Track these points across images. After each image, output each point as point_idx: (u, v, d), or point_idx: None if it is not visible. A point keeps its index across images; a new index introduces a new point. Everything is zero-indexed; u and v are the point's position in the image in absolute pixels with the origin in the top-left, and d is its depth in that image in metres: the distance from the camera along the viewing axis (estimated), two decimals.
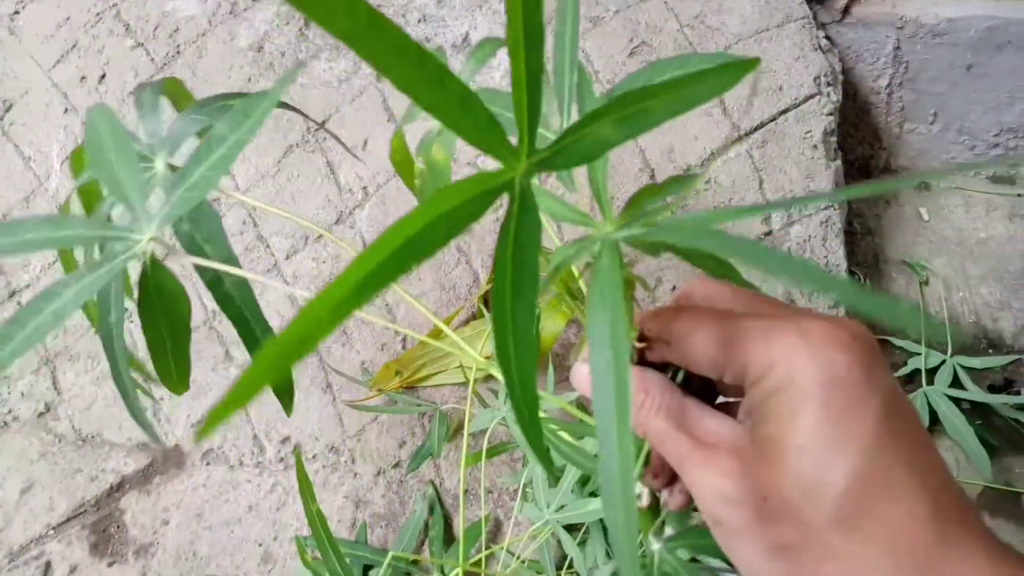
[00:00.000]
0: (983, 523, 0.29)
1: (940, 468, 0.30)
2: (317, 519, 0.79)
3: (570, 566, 0.79)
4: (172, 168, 0.52)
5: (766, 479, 0.29)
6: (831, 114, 0.99)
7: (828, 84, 1.00)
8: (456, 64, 1.02)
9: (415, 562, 0.83)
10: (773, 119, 0.96)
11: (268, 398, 0.99)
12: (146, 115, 0.53)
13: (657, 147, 0.96)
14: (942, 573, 0.27)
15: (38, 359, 1.05)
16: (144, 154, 0.51)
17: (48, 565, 0.90)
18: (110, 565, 0.89)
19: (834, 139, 0.99)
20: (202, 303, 1.03)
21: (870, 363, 0.29)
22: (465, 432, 0.78)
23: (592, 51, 1.01)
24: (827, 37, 1.10)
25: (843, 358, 0.28)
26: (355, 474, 0.93)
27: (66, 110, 1.10)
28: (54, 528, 0.93)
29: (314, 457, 0.95)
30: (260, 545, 0.88)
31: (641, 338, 0.36)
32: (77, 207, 0.56)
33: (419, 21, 1.06)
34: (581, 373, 0.37)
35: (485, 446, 0.82)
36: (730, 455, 0.30)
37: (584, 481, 0.75)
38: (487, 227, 0.99)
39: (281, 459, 0.95)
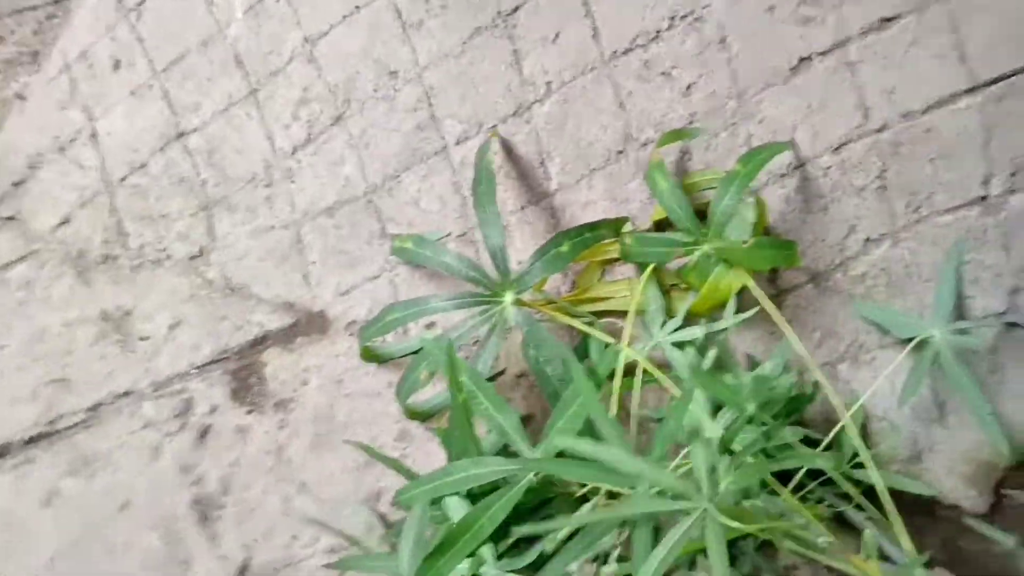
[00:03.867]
0: None
1: None
2: (461, 408, 0.78)
3: None
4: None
5: None
6: None
7: None
8: None
9: None
10: (1018, 72, 0.86)
11: (419, 281, 0.98)
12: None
13: (878, 85, 0.88)
14: None
15: (197, 203, 1.06)
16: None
17: (190, 401, 0.92)
18: (249, 412, 0.91)
19: None
20: (363, 175, 1.01)
21: None
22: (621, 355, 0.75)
23: None
24: None
25: None
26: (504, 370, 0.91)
27: None
28: (197, 368, 0.95)
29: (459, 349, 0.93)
30: (397, 423, 0.88)
31: None
32: None
33: None
34: None
35: (638, 378, 0.78)
36: None
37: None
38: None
39: None
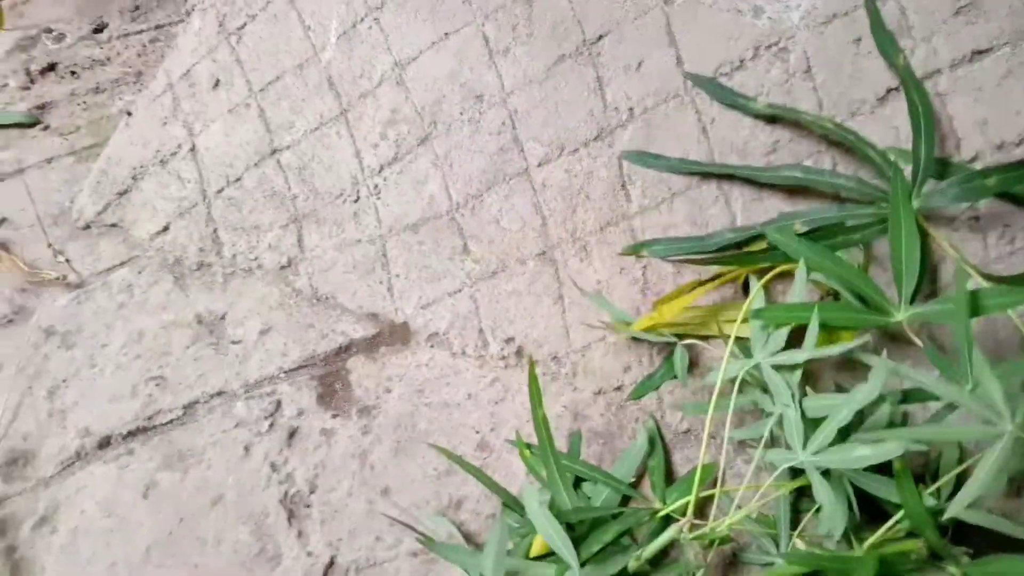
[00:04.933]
0: None
1: None
2: (542, 424, 0.80)
3: (802, 529, 0.75)
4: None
5: None
6: None
7: None
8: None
9: (633, 486, 0.83)
10: None
11: (499, 297, 1.01)
12: None
13: (970, 117, 0.88)
14: None
15: (288, 216, 1.11)
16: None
17: (279, 403, 0.97)
18: (334, 417, 0.95)
19: None
20: (446, 194, 1.05)
21: None
22: (720, 376, 0.76)
23: (908, 4, 0.93)
24: None
25: None
26: (575, 388, 0.93)
27: None
28: (286, 372, 1.00)
29: (536, 363, 0.96)
30: (477, 432, 0.90)
31: None
32: None
33: None
34: None
35: (734, 397, 0.78)
36: None
37: (845, 432, 0.71)
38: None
39: (503, 357, 0.97)
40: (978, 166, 0.87)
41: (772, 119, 0.94)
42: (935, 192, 0.83)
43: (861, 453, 0.66)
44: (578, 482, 0.85)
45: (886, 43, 0.90)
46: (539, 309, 0.98)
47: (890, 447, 0.64)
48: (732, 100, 0.94)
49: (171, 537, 0.86)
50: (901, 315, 0.76)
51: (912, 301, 0.77)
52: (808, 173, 0.90)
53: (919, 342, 0.76)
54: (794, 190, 0.93)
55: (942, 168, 0.86)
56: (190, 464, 0.92)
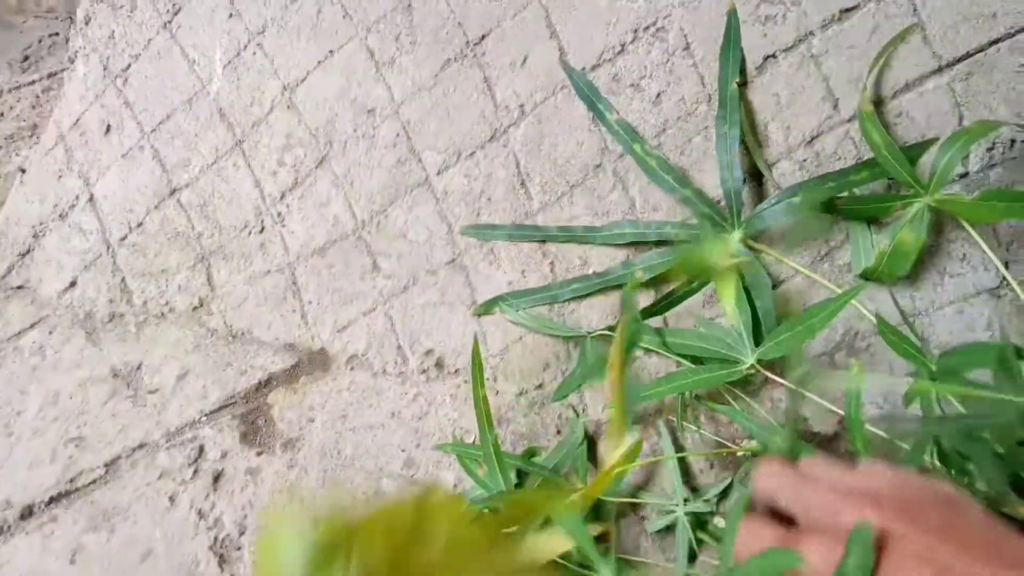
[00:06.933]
0: None
1: None
2: (482, 403, 0.79)
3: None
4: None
5: None
6: None
7: None
8: None
9: (566, 476, 0.83)
10: (982, 49, 0.86)
11: (414, 311, 1.00)
12: None
13: (844, 75, 0.89)
14: None
15: (194, 255, 1.09)
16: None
17: (202, 448, 0.94)
18: (259, 454, 0.93)
19: None
20: (350, 213, 1.04)
21: None
22: None
23: None
24: None
25: None
26: (497, 392, 0.92)
27: (230, 15, 1.12)
28: (207, 415, 0.98)
29: (456, 372, 0.95)
30: (403, 451, 0.89)
31: None
32: None
33: None
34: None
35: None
36: None
37: None
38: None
39: (423, 371, 0.96)
40: (857, 124, 0.88)
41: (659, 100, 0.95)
42: (756, 216, 0.85)
43: None
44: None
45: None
46: (454, 317, 0.97)
47: None
48: (593, 106, 0.95)
49: None
50: (750, 359, 0.80)
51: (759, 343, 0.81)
52: (636, 228, 0.93)
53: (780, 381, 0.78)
54: None
55: (759, 178, 0.89)
56: (116, 522, 0.90)
